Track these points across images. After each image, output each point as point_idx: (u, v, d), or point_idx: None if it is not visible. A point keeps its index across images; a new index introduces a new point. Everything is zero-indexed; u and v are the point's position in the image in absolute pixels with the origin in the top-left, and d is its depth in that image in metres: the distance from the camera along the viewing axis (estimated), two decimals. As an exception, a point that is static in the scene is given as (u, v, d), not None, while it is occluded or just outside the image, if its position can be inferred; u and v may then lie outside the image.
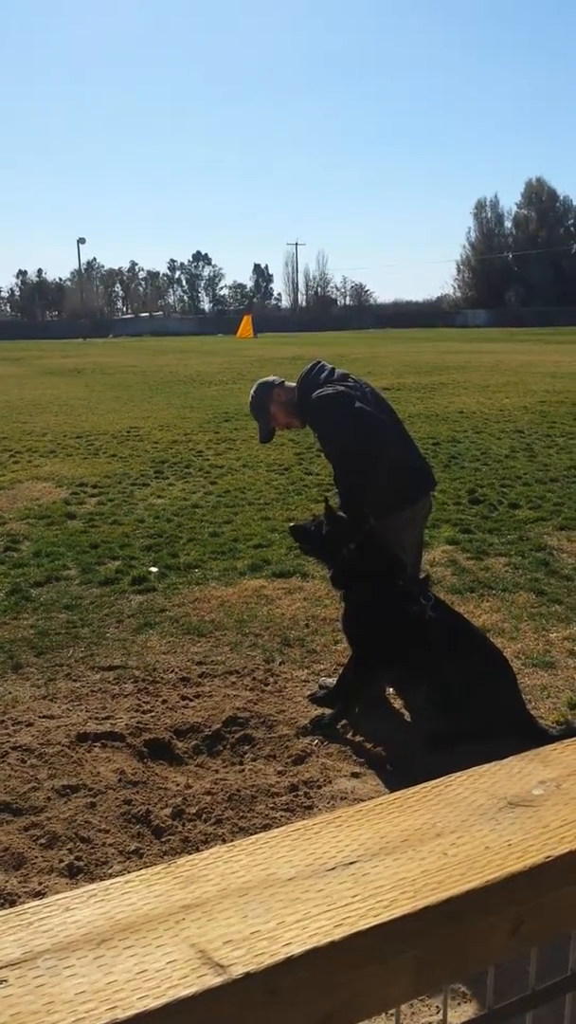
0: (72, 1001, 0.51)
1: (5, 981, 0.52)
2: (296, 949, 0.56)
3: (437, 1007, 2.13)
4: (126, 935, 0.56)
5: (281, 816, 3.19)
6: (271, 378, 4.37)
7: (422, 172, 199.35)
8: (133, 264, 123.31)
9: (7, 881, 2.82)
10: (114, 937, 0.56)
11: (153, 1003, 0.51)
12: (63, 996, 0.51)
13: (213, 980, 0.53)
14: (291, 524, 4.32)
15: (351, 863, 0.65)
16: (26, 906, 0.59)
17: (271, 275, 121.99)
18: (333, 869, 0.64)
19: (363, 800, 0.76)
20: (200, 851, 0.67)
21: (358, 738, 3.80)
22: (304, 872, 0.64)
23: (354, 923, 0.58)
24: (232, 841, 0.68)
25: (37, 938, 0.56)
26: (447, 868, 0.65)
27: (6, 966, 0.53)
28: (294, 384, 4.21)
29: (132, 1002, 0.51)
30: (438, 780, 0.78)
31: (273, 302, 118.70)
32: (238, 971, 0.53)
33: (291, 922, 0.58)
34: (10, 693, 4.25)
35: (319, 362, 4.25)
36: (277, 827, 0.71)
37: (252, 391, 4.35)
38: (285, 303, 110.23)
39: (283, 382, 4.29)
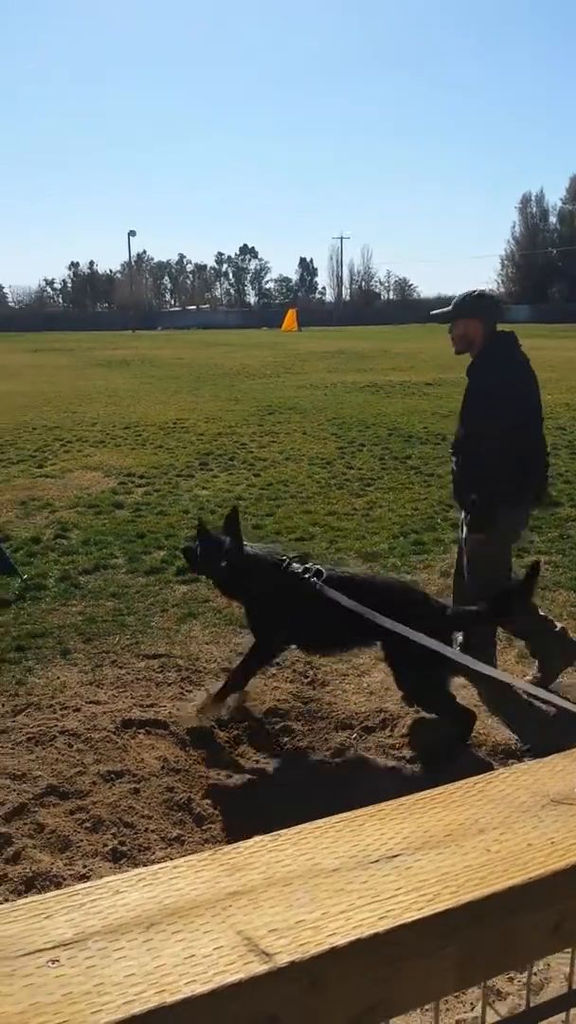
0: (122, 983, 0.52)
1: (56, 961, 0.53)
2: (340, 940, 0.56)
3: (471, 1003, 2.12)
4: (174, 920, 0.57)
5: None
6: (494, 294, 4.52)
7: (468, 167, 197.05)
8: (181, 257, 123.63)
9: (53, 863, 2.88)
10: (162, 921, 0.57)
11: (200, 988, 0.52)
12: (113, 978, 0.52)
13: (259, 968, 0.53)
14: (182, 548, 4.49)
15: (394, 856, 0.66)
16: (77, 887, 0.60)
17: (316, 269, 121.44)
18: (377, 861, 0.65)
19: (400, 795, 0.76)
20: (242, 840, 0.68)
21: (396, 733, 3.80)
22: (348, 863, 0.64)
23: (398, 916, 0.59)
24: (273, 831, 0.69)
25: (89, 919, 0.57)
26: (490, 864, 0.65)
27: (59, 946, 0.54)
28: (498, 327, 4.30)
29: (180, 987, 0.52)
30: (480, 776, 0.78)
31: (318, 296, 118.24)
32: (283, 960, 0.54)
33: (335, 913, 0.59)
34: (59, 678, 4.33)
35: (509, 333, 4.36)
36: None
37: (473, 294, 4.34)
38: (329, 297, 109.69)
39: (501, 310, 4.41)
